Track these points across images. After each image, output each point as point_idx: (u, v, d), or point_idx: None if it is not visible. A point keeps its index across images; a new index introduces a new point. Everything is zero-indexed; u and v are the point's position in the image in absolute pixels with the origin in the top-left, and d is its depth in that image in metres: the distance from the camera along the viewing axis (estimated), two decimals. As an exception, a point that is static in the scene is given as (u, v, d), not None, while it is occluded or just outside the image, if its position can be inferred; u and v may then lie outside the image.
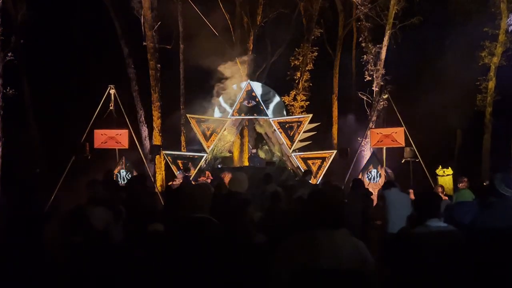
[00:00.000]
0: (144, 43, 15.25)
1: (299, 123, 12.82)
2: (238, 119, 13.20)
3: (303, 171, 10.65)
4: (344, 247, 2.19)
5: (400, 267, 2.79)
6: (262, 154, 14.69)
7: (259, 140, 15.67)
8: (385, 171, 12.04)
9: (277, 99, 13.29)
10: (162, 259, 3.10)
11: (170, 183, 10.50)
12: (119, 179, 11.29)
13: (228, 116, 12.77)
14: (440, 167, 13.05)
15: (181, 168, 11.75)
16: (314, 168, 12.54)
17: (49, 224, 4.45)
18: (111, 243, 4.01)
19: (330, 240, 2.19)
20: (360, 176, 11.87)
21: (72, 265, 3.71)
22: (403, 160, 12.47)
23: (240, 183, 4.75)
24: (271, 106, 13.09)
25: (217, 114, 13.08)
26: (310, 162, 12.67)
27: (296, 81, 20.21)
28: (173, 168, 12.15)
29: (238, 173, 5.04)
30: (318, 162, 12.69)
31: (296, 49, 20.31)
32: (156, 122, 15.09)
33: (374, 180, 11.96)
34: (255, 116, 12.97)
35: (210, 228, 3.07)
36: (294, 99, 19.79)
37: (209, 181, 9.93)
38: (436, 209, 2.88)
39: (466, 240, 2.75)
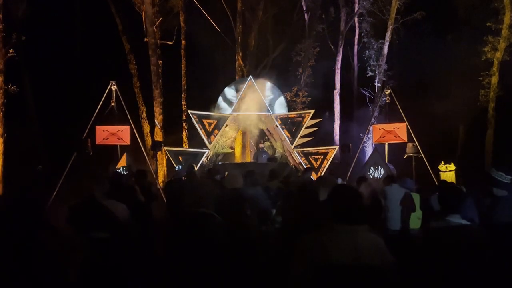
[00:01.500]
0: (146, 39, 15.21)
1: (301, 119, 12.78)
2: (239, 115, 13.17)
3: (304, 167, 10.61)
4: (365, 243, 2.19)
5: (416, 262, 2.77)
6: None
7: (261, 136, 15.65)
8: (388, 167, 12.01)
9: (278, 95, 13.25)
10: (166, 254, 3.11)
11: (170, 179, 10.51)
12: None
13: (230, 112, 12.75)
14: (443, 162, 13.03)
15: (183, 164, 11.75)
16: (316, 164, 12.51)
17: (60, 220, 4.41)
18: (133, 237, 3.97)
19: (351, 236, 2.20)
20: (362, 173, 11.85)
21: (92, 261, 3.63)
22: (406, 156, 12.43)
23: (236, 180, 4.78)
24: (273, 102, 13.05)
25: (218, 110, 13.04)
26: (311, 158, 12.64)
27: (298, 77, 20.15)
28: (175, 164, 12.15)
29: (234, 171, 5.09)
30: (320, 158, 12.65)
31: (298, 45, 20.24)
32: (158, 118, 15.08)
33: (376, 177, 11.93)
34: (257, 112, 12.94)
35: (212, 223, 3.07)
36: (296, 95, 19.74)
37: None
38: (458, 205, 2.85)
39: (486, 237, 2.71)
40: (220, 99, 12.98)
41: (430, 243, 2.72)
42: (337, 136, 20.10)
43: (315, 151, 12.78)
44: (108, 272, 3.58)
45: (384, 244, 2.25)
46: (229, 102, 12.90)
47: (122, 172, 10.76)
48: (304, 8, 20.15)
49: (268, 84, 13.32)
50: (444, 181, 9.82)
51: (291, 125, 12.70)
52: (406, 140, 12.35)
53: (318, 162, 12.55)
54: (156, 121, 15.21)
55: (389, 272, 2.19)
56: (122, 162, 11.70)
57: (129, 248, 3.76)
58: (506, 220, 3.47)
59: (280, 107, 13.11)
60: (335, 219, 2.25)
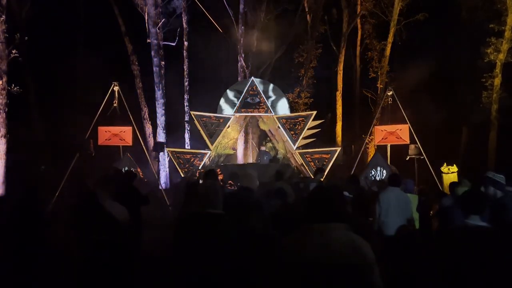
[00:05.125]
0: (148, 40, 15.24)
1: (303, 120, 12.78)
2: (241, 116, 13.18)
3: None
4: (340, 242, 2.18)
5: (433, 264, 2.76)
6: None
7: (262, 137, 15.65)
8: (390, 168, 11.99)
9: (281, 96, 13.25)
10: (176, 255, 3.13)
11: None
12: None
13: (232, 113, 12.75)
14: (445, 164, 12.98)
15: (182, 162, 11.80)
16: (318, 166, 12.50)
17: (61, 221, 4.41)
18: (132, 240, 3.98)
19: (325, 235, 2.19)
20: (364, 174, 11.85)
21: (93, 263, 3.65)
22: (408, 157, 12.42)
23: (252, 180, 4.81)
24: (275, 103, 13.05)
25: (220, 111, 13.05)
26: (314, 159, 12.63)
27: (300, 78, 20.15)
28: (176, 164, 12.18)
29: (251, 170, 5.11)
30: (322, 159, 12.64)
31: (300, 46, 20.24)
32: (160, 119, 15.10)
33: (378, 179, 11.91)
34: (259, 113, 12.94)
35: (223, 224, 3.10)
36: (298, 96, 19.73)
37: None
38: (477, 207, 2.84)
39: (505, 240, 2.70)
40: (222, 100, 12.99)
41: (446, 244, 2.72)
42: (339, 138, 20.08)
43: (317, 152, 12.77)
44: (109, 273, 3.59)
45: (365, 243, 2.22)
46: (231, 103, 12.90)
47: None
48: (307, 9, 20.15)
49: (270, 85, 13.32)
50: (455, 183, 9.74)
51: (293, 126, 12.70)
52: (408, 142, 12.33)
53: (320, 164, 12.54)
54: (158, 122, 15.23)
55: (369, 271, 2.15)
56: (124, 163, 11.74)
57: (128, 250, 3.78)
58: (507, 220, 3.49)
59: (282, 108, 13.10)
60: (311, 218, 2.26)
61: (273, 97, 13.07)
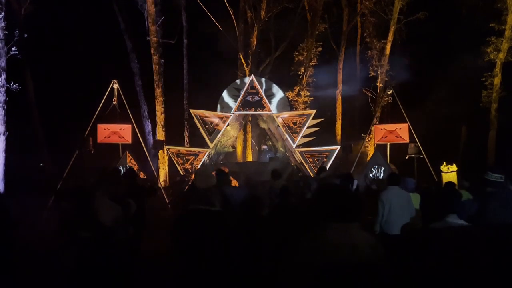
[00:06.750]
0: (148, 38, 15.21)
1: (302, 119, 12.77)
2: (241, 114, 13.16)
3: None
4: (360, 241, 2.19)
5: (415, 263, 2.76)
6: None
7: (262, 135, 15.63)
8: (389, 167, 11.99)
9: (280, 94, 13.24)
10: (174, 252, 3.14)
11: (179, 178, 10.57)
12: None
13: (232, 111, 12.74)
14: (445, 163, 12.97)
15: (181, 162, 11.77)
16: (317, 164, 12.49)
17: (57, 216, 4.42)
18: (118, 239, 3.96)
19: (346, 234, 2.19)
20: (364, 173, 11.83)
21: (77, 258, 3.69)
22: (407, 156, 12.41)
23: (208, 179, 4.79)
24: (275, 101, 13.04)
25: (220, 109, 13.04)
26: (313, 157, 12.63)
27: (300, 77, 20.10)
28: (175, 162, 12.17)
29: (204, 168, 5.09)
30: (322, 157, 12.63)
31: (300, 44, 20.19)
32: (160, 117, 15.08)
33: (378, 177, 11.91)
34: (259, 112, 12.93)
35: (223, 220, 3.11)
36: (298, 94, 19.70)
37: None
38: (455, 205, 2.84)
39: (485, 238, 2.70)
40: (222, 98, 12.98)
41: (432, 244, 2.71)
42: (338, 136, 20.06)
43: (317, 151, 12.77)
44: (92, 269, 3.63)
45: (378, 242, 2.25)
46: (231, 102, 12.89)
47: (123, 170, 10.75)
48: (307, 8, 20.10)
49: (270, 84, 13.31)
50: (451, 182, 9.73)
51: (293, 125, 12.68)
52: (408, 141, 12.33)
53: (320, 162, 12.54)
54: (157, 120, 15.20)
55: (384, 268, 2.19)
56: (124, 161, 11.73)
57: (114, 247, 3.79)
58: (497, 217, 3.50)
59: (282, 107, 13.09)
60: (329, 218, 2.24)
61: (273, 96, 13.06)
